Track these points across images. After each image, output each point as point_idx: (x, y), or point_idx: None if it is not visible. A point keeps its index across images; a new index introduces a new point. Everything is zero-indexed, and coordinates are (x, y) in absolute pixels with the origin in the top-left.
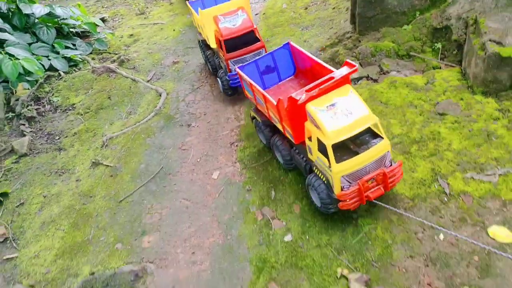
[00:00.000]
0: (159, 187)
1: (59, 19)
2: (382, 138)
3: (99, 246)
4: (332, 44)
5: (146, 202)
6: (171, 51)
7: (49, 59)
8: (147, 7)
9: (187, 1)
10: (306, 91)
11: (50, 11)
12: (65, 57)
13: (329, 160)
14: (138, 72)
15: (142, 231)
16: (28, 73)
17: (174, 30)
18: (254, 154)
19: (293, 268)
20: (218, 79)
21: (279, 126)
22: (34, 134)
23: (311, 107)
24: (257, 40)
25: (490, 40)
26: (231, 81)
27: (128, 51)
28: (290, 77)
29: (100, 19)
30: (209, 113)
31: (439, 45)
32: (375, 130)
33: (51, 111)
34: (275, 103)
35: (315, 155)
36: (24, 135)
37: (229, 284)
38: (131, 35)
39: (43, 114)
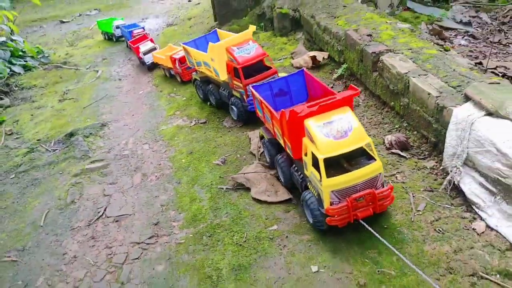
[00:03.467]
0: (107, 101)
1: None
2: (375, 160)
3: (75, 122)
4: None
5: (101, 106)
6: (99, 56)
7: (9, 66)
8: (75, 42)
9: (181, 44)
10: (308, 106)
11: (4, 40)
12: (21, 65)
13: (320, 174)
14: (78, 68)
15: (101, 113)
16: None
17: (99, 47)
18: (162, 81)
19: (188, 103)
20: (232, 106)
21: (281, 142)
22: (11, 101)
23: (309, 122)
24: (269, 67)
25: (278, 8)
26: (249, 106)
27: (67, 61)
28: (302, 103)
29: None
30: (132, 75)
31: (262, 24)
32: (368, 151)
33: (19, 89)
34: (278, 117)
35: (309, 170)
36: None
37: (155, 118)
38: (67, 53)
39: (14, 90)
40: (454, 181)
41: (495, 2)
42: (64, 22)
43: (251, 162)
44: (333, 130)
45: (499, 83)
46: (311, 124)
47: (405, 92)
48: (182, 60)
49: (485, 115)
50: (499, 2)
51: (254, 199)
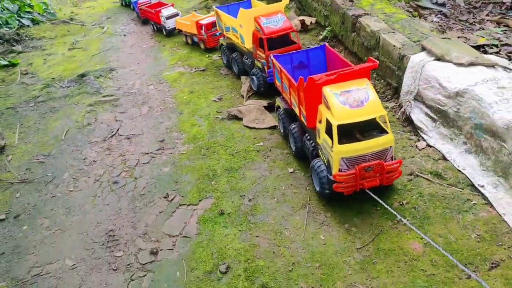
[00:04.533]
0: (114, 52)
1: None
2: (388, 133)
3: (86, 66)
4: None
5: (108, 55)
6: (103, 16)
7: (18, 19)
8: (79, 3)
9: (214, 6)
10: (326, 74)
11: None
12: (29, 19)
13: (332, 141)
14: (84, 24)
15: (109, 61)
16: (7, 23)
17: (103, 8)
18: (163, 38)
19: (189, 55)
20: (252, 77)
21: (297, 111)
22: (23, 48)
23: (327, 90)
24: (294, 42)
25: None
26: (268, 78)
27: (73, 18)
28: None
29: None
30: (136, 32)
31: None
32: (381, 124)
33: (29, 39)
34: (296, 83)
35: (322, 137)
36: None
37: (158, 66)
38: (72, 12)
39: (24, 40)
40: (406, 112)
41: None
42: None
43: (245, 101)
44: (350, 98)
45: (450, 39)
46: (329, 91)
47: (376, 46)
48: (208, 27)
49: (434, 60)
50: None
51: (245, 126)
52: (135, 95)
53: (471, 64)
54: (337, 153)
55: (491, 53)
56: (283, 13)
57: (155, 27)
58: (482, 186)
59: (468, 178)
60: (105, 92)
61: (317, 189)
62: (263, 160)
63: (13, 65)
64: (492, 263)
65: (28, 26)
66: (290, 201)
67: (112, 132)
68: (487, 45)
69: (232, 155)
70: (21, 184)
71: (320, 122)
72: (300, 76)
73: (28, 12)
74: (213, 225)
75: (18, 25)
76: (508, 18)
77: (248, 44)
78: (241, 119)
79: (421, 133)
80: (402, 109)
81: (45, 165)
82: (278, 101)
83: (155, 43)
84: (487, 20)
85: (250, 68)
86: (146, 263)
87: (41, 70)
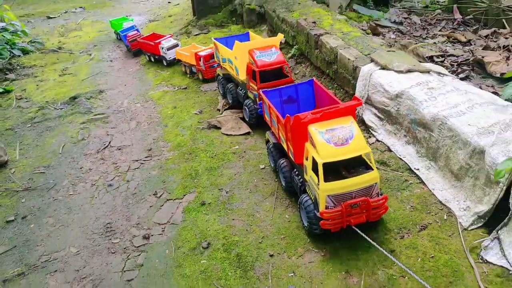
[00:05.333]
0: (102, 76)
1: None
2: (373, 170)
3: (77, 89)
4: (187, 25)
5: (97, 79)
6: (90, 44)
7: (9, 50)
8: (65, 33)
9: (213, 38)
10: (312, 113)
11: (4, 26)
12: (19, 49)
13: (318, 178)
14: (72, 52)
15: (98, 84)
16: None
17: (89, 37)
18: (147, 63)
19: (172, 76)
20: (245, 107)
21: (285, 146)
22: (15, 76)
23: (312, 128)
24: (286, 76)
25: (247, 4)
26: (259, 109)
27: (61, 47)
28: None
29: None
30: (121, 58)
31: (234, 18)
32: (367, 160)
33: (21, 68)
34: (283, 120)
35: (309, 174)
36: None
37: (144, 87)
38: (59, 41)
39: (16, 69)
40: (359, 115)
41: (427, 8)
42: (51, 17)
43: (221, 113)
44: (335, 137)
45: (394, 51)
46: (314, 130)
47: (335, 60)
48: (206, 58)
49: (379, 69)
50: (431, 8)
51: (223, 134)
52: (124, 112)
53: (409, 71)
54: (323, 190)
55: (436, 62)
56: (278, 47)
57: (152, 58)
58: (418, 169)
59: (407, 164)
60: (96, 111)
61: (305, 224)
62: (238, 160)
63: (8, 91)
64: (421, 226)
65: (19, 56)
66: (261, 191)
67: (105, 144)
68: (435, 56)
69: (212, 157)
70: (25, 191)
71: (306, 159)
72: (287, 114)
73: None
74: (196, 213)
75: (10, 55)
76: (457, 33)
77: (242, 76)
78: (219, 128)
79: (371, 131)
80: (356, 112)
81: (46, 175)
82: (268, 135)
83: (140, 67)
84: (439, 35)
85: (243, 99)
86: (140, 245)
87: (34, 95)
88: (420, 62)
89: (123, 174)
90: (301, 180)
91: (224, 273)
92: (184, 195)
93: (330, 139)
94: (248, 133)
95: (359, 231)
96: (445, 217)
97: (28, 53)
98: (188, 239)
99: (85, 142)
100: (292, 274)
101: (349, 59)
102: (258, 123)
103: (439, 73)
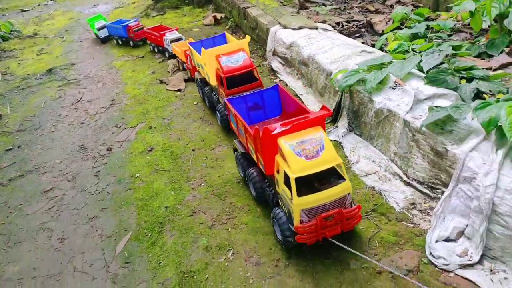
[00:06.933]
0: (73, 53)
1: None
2: (345, 180)
3: (52, 64)
4: (146, 9)
5: (69, 55)
6: (62, 29)
7: None
8: (40, 22)
9: (188, 43)
10: (281, 125)
11: None
12: None
13: (291, 193)
14: (47, 37)
15: (70, 59)
16: None
17: (61, 24)
18: (113, 45)
19: (132, 49)
20: (217, 112)
21: (254, 157)
22: None
23: (282, 141)
24: (256, 79)
25: None
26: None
27: (37, 33)
28: (275, 117)
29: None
30: (91, 39)
31: (186, 1)
32: (339, 171)
33: (2, 51)
34: (252, 132)
35: (281, 188)
36: None
37: (109, 59)
38: (35, 29)
39: None
40: (269, 63)
41: None
42: (25, 10)
43: (170, 75)
44: (306, 149)
45: (296, 15)
46: (284, 143)
47: (256, 26)
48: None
49: (282, 28)
50: None
51: (169, 90)
52: (92, 77)
53: (300, 27)
54: (297, 205)
55: (344, 27)
56: (245, 50)
57: (156, 49)
58: (302, 94)
59: (295, 91)
60: (69, 78)
61: (280, 238)
62: (178, 100)
63: None
64: None
65: (0, 42)
66: (192, 117)
67: (77, 99)
68: (344, 22)
69: (159, 101)
70: (18, 132)
71: (278, 172)
72: (256, 127)
73: None
74: (145, 134)
75: None
76: (369, 3)
77: (212, 81)
78: (167, 84)
79: (278, 75)
80: (267, 62)
81: (33, 121)
82: (235, 144)
83: (107, 45)
84: (355, 7)
85: (216, 104)
86: (105, 154)
87: (17, 70)
88: (314, 23)
89: (92, 116)
90: (273, 191)
91: (160, 162)
92: (137, 124)
93: (301, 152)
94: (181, 89)
95: (336, 242)
96: None
97: (7, 39)
98: (138, 147)
99: (62, 99)
100: (206, 158)
101: (264, 23)
102: (231, 129)
103: (324, 29)
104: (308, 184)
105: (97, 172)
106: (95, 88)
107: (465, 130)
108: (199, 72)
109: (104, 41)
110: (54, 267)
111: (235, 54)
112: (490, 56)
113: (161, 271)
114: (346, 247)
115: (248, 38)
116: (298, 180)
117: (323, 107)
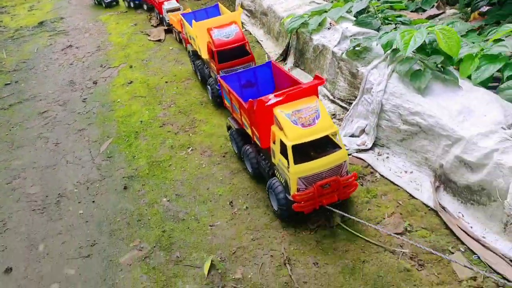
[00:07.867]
0: (63, 9)
1: None
2: (341, 148)
3: (43, 18)
4: None
5: (59, 11)
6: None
7: None
8: None
9: (180, 13)
10: (275, 96)
11: None
12: None
13: (288, 161)
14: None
15: (60, 14)
16: None
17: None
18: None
19: (119, 7)
20: (208, 86)
21: (249, 131)
22: None
23: (277, 111)
24: (248, 53)
25: None
26: (219, 90)
27: None
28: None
29: None
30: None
31: None
32: (334, 140)
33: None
34: (245, 105)
35: (277, 158)
36: None
37: (96, 14)
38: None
39: None
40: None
41: None
42: None
43: (154, 26)
44: (301, 118)
45: None
46: (280, 112)
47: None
48: None
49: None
50: None
51: (150, 40)
52: (80, 29)
53: None
54: (294, 173)
55: None
56: (238, 23)
57: (158, 16)
58: (262, 40)
59: (257, 38)
60: (59, 29)
61: (275, 209)
62: (157, 46)
63: None
64: None
65: None
66: (168, 59)
67: (66, 46)
68: None
69: (140, 47)
70: (15, 71)
71: (274, 142)
72: (250, 99)
73: None
74: (126, 71)
75: None
76: None
77: (204, 55)
78: (149, 35)
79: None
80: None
81: (27, 63)
82: (229, 121)
83: (93, 1)
84: None
85: (208, 77)
86: (91, 87)
87: (10, 23)
88: None
89: (80, 59)
90: (269, 164)
91: (138, 91)
92: (119, 65)
93: (297, 120)
94: (161, 40)
95: (333, 209)
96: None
97: None
98: (120, 81)
99: (53, 46)
100: (176, 88)
101: None
102: (221, 103)
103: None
104: (304, 153)
105: (84, 99)
106: (83, 38)
107: (373, 56)
108: (191, 44)
109: (108, 6)
110: (50, 161)
111: (227, 27)
112: (424, 10)
113: (135, 161)
114: (344, 213)
115: (240, 10)
116: (295, 148)
117: (316, 77)
